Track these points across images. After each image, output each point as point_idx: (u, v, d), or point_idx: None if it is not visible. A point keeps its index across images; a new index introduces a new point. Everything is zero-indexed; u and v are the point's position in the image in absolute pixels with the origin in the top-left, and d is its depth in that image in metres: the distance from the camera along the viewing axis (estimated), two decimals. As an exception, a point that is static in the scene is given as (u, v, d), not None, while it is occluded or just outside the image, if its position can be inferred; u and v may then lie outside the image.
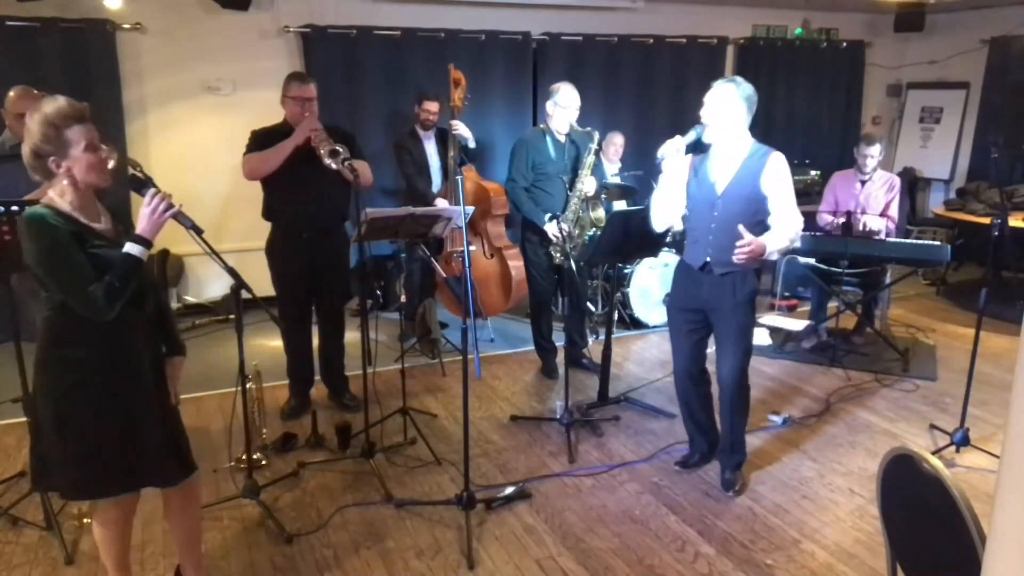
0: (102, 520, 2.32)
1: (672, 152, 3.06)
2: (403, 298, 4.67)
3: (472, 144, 4.83)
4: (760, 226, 3.03)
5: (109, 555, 2.37)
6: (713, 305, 3.16)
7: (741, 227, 2.90)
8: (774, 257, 3.19)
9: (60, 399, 2.14)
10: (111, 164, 2.18)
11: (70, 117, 2.07)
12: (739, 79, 3.03)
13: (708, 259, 3.11)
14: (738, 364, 3.17)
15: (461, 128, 4.72)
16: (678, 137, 3.06)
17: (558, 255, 4.24)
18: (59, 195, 2.12)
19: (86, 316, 2.08)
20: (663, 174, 3.19)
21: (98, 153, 2.12)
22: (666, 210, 3.22)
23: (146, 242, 2.14)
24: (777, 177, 3.02)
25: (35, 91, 3.38)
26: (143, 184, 2.23)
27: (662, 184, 3.21)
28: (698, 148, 3.11)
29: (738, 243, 2.89)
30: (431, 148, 5.06)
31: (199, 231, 2.29)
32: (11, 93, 3.34)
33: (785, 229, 3.01)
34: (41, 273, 2.08)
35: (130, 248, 2.12)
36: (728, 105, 2.97)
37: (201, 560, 2.61)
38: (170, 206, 2.19)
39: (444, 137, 5.05)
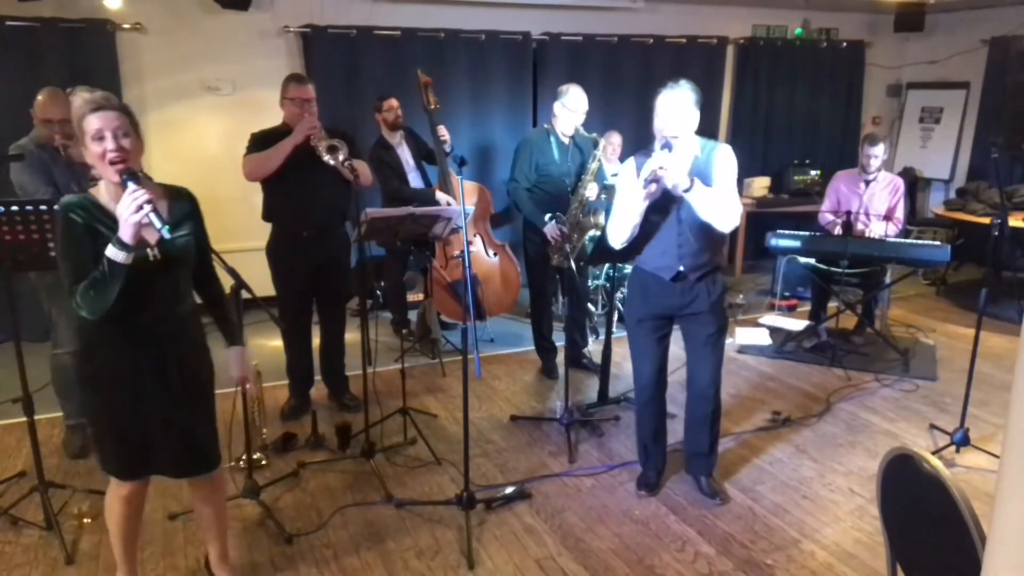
0: (113, 495, 2.38)
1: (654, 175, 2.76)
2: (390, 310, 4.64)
3: (448, 148, 4.77)
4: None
5: (118, 535, 2.42)
6: (687, 310, 3.02)
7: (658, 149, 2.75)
8: (679, 192, 2.76)
9: (80, 386, 2.30)
10: (113, 157, 2.02)
11: (85, 107, 2.05)
12: (683, 81, 2.90)
13: (682, 268, 2.96)
14: (718, 368, 3.11)
15: (446, 133, 4.70)
16: (665, 155, 2.76)
17: (556, 256, 4.23)
18: (103, 187, 2.12)
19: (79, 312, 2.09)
20: (621, 196, 2.96)
21: (103, 144, 2.01)
22: (628, 228, 2.92)
23: (124, 245, 1.98)
24: (724, 164, 2.90)
25: (63, 91, 3.27)
26: (131, 176, 2.03)
27: (626, 206, 2.90)
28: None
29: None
30: (404, 153, 4.96)
31: (165, 238, 2.05)
32: (40, 96, 3.23)
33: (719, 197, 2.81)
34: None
35: (109, 252, 1.99)
36: (691, 112, 2.87)
37: (227, 552, 2.65)
38: (140, 208, 1.96)
39: (411, 135, 5.02)
